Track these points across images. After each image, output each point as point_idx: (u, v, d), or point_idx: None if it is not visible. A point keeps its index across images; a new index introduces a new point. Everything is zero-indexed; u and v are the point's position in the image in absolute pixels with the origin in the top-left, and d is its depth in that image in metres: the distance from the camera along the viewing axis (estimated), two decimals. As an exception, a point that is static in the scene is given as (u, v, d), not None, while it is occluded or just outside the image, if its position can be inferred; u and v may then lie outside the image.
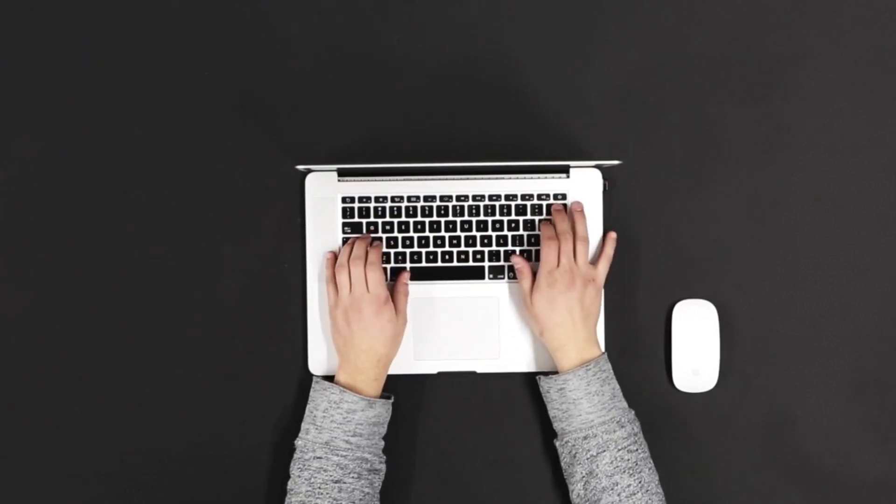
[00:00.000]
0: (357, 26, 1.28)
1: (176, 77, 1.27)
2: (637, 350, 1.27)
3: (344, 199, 1.25)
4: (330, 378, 1.20)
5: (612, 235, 1.23)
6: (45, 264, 1.26)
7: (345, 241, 1.25)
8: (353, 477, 1.13)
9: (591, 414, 1.15)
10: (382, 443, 1.18)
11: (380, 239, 1.24)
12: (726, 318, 1.27)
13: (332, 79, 1.28)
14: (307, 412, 1.17)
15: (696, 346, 1.25)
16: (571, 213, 1.23)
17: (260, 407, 1.26)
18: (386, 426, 1.18)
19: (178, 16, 1.28)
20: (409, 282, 1.23)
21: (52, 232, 1.26)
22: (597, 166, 1.25)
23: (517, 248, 1.24)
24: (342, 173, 1.24)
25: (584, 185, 1.26)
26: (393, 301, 1.19)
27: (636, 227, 1.27)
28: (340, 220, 1.25)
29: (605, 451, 1.13)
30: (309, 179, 1.25)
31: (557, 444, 1.18)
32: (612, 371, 1.19)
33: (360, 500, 1.14)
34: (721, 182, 1.28)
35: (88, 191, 1.27)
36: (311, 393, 1.18)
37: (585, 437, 1.14)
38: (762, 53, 1.28)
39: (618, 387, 1.18)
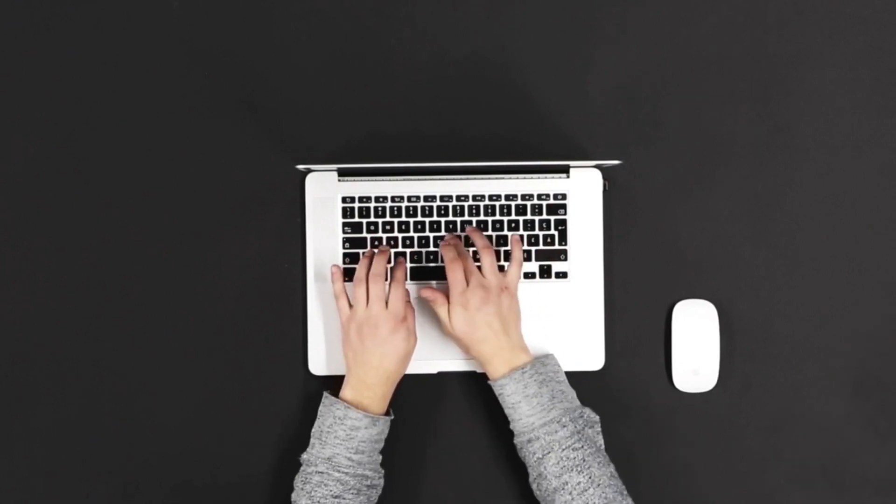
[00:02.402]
0: (357, 26, 1.28)
1: (176, 77, 1.27)
2: (637, 350, 1.27)
3: (344, 199, 1.25)
4: (335, 379, 1.20)
5: (515, 237, 1.22)
6: (45, 264, 1.26)
7: (345, 241, 1.25)
8: (352, 493, 1.14)
9: (531, 417, 1.14)
10: (380, 457, 1.18)
11: (403, 255, 1.24)
12: (726, 318, 1.27)
13: (331, 79, 1.28)
14: (315, 426, 1.17)
15: (696, 346, 1.25)
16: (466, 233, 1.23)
17: (259, 407, 1.26)
18: (384, 442, 1.18)
19: (179, 16, 1.28)
20: (411, 281, 1.23)
21: (52, 232, 1.26)
22: (597, 166, 1.25)
23: (434, 281, 1.24)
24: (342, 173, 1.24)
25: (584, 185, 1.26)
26: None
27: (636, 227, 1.27)
28: (340, 220, 1.25)
29: (549, 452, 1.13)
30: (309, 179, 1.25)
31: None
32: (555, 372, 1.17)
33: None
34: (721, 182, 1.28)
35: (88, 191, 1.27)
36: (320, 408, 1.18)
37: (529, 441, 1.14)
38: (762, 53, 1.28)
39: (561, 387, 1.17)
